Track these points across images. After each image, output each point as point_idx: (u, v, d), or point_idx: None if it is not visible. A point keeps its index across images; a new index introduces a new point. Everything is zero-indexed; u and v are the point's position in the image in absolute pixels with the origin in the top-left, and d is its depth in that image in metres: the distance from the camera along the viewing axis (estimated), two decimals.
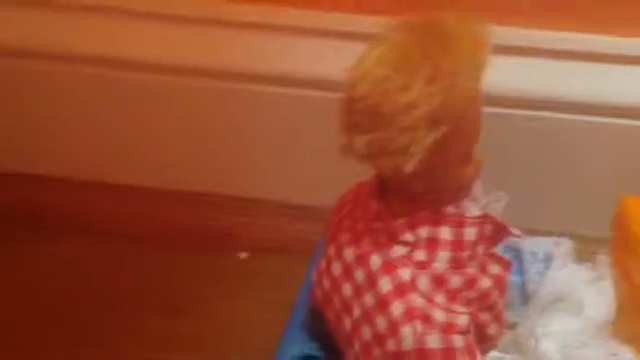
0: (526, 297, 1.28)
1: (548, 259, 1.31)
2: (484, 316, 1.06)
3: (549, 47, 1.38)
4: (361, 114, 0.95)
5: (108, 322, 1.37)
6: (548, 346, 1.22)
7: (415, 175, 0.95)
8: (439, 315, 1.01)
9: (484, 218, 1.04)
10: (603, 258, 1.29)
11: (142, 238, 1.51)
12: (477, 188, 1.11)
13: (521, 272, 1.30)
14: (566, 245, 1.33)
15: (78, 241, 1.51)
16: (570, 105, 1.40)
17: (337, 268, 1.07)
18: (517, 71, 1.36)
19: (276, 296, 1.34)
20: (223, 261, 1.46)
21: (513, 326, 1.23)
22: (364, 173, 1.08)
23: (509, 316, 1.18)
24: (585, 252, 1.34)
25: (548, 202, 1.46)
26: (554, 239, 1.34)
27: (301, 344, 1.15)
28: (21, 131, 1.61)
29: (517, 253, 1.31)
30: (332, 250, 1.09)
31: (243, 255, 1.47)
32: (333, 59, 1.34)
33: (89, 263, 1.48)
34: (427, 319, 1.00)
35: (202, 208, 1.56)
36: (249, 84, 1.48)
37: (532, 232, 1.31)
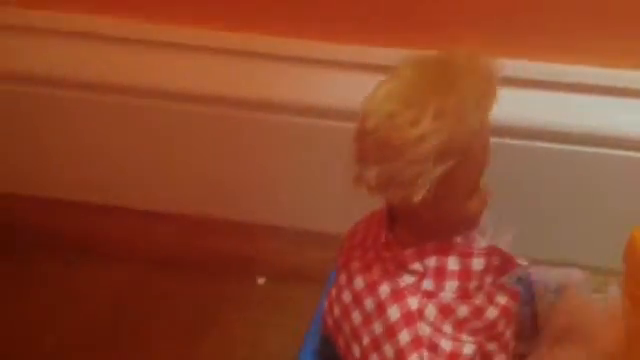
0: (536, 328, 1.29)
1: (560, 290, 1.32)
2: (490, 346, 1.08)
3: (563, 80, 1.39)
4: (371, 146, 0.98)
5: (125, 346, 1.39)
6: None
7: (423, 206, 0.98)
8: (445, 344, 1.03)
9: (491, 249, 1.06)
10: (615, 289, 1.30)
11: (159, 263, 1.53)
12: (485, 219, 1.12)
13: (532, 303, 1.31)
14: (578, 276, 1.34)
15: (97, 265, 1.53)
16: (583, 137, 1.41)
17: (347, 296, 1.10)
18: (532, 103, 1.38)
19: (293, 322, 1.35)
20: (241, 287, 1.47)
21: (522, 357, 1.24)
22: (381, 202, 1.10)
23: (519, 347, 1.20)
24: (597, 283, 1.35)
25: (560, 233, 1.46)
26: (566, 270, 1.34)
27: None
28: (41, 156, 1.64)
29: (528, 284, 1.32)
30: (343, 278, 1.12)
31: (261, 281, 1.49)
32: (345, 90, 1.38)
33: (109, 287, 1.50)
34: (434, 348, 1.03)
35: (220, 234, 1.57)
36: (272, 114, 1.51)
37: (544, 263, 1.33)
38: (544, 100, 1.40)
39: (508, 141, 1.32)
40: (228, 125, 1.54)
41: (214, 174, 1.60)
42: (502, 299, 1.08)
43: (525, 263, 1.09)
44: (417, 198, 0.96)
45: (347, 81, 1.45)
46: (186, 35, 1.51)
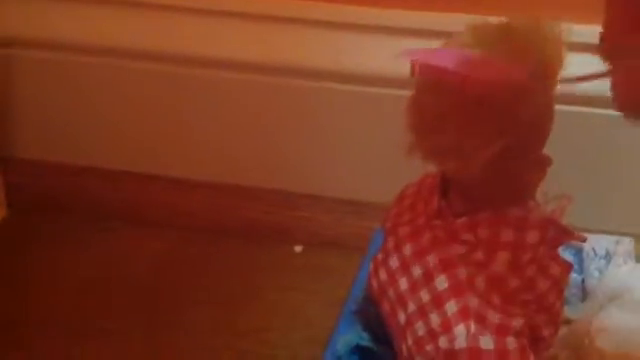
0: (585, 294, 1.28)
1: (608, 256, 1.31)
2: (540, 318, 1.05)
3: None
4: (428, 115, 0.94)
5: (164, 311, 1.39)
6: (603, 343, 1.21)
7: (480, 178, 0.95)
8: (494, 316, 1.00)
9: (547, 220, 1.02)
10: None
11: (198, 231, 1.53)
12: (543, 188, 1.09)
13: (581, 269, 1.30)
14: (627, 243, 1.33)
15: (135, 232, 1.54)
16: None
17: (394, 261, 1.08)
18: (580, 68, 1.33)
19: (331, 290, 1.35)
20: (278, 255, 1.47)
21: (569, 322, 1.22)
22: (420, 172, 1.08)
23: (566, 312, 1.18)
24: None
25: (608, 202, 1.43)
26: (614, 238, 1.33)
27: (354, 335, 1.16)
28: (80, 125, 1.64)
29: (577, 250, 1.30)
30: (391, 242, 1.09)
31: (298, 249, 1.48)
32: (386, 56, 1.34)
33: (146, 254, 1.51)
34: (481, 319, 1.00)
35: (258, 203, 1.57)
36: (308, 80, 1.48)
37: (592, 232, 1.30)
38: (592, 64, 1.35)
39: (561, 107, 1.28)
40: (265, 93, 1.52)
41: (251, 143, 1.58)
42: (554, 270, 1.05)
43: (583, 236, 1.06)
44: (475, 171, 0.93)
45: (390, 47, 1.41)
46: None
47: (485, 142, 0.92)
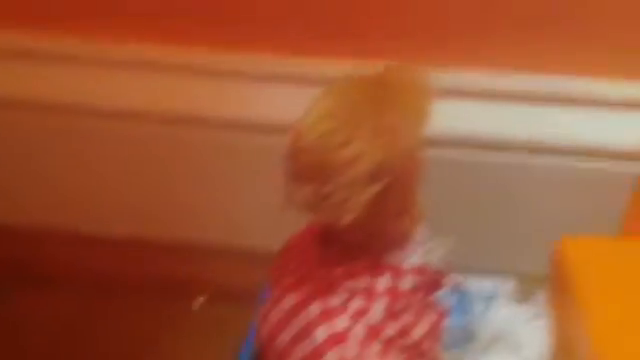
0: (469, 336, 1.32)
1: (490, 299, 1.36)
2: None
3: (490, 88, 1.41)
4: (304, 166, 0.99)
5: None
6: None
7: (353, 226, 0.98)
8: None
9: (422, 267, 1.07)
10: (541, 296, 1.33)
11: (100, 287, 1.52)
12: (420, 233, 1.13)
13: (464, 312, 1.34)
14: (508, 285, 1.38)
15: (35, 293, 1.52)
16: (512, 145, 1.43)
17: (277, 313, 1.10)
18: (458, 113, 1.39)
19: (230, 341, 1.35)
20: (179, 308, 1.47)
21: None
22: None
23: (451, 355, 1.22)
24: (527, 289, 1.38)
25: (491, 240, 1.48)
26: (497, 280, 1.38)
27: None
28: None
29: (462, 294, 1.34)
30: (275, 294, 1.12)
31: (199, 301, 1.49)
32: (291, 105, 1.37)
33: (46, 314, 1.49)
34: None
35: (159, 256, 1.57)
36: (206, 131, 1.50)
37: (475, 270, 1.35)
38: (472, 109, 1.42)
39: (439, 152, 1.33)
40: (166, 143, 1.53)
41: (152, 196, 1.58)
42: (430, 317, 1.09)
43: (459, 279, 1.10)
44: (347, 220, 0.97)
45: (290, 96, 1.45)
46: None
47: (357, 191, 0.96)
